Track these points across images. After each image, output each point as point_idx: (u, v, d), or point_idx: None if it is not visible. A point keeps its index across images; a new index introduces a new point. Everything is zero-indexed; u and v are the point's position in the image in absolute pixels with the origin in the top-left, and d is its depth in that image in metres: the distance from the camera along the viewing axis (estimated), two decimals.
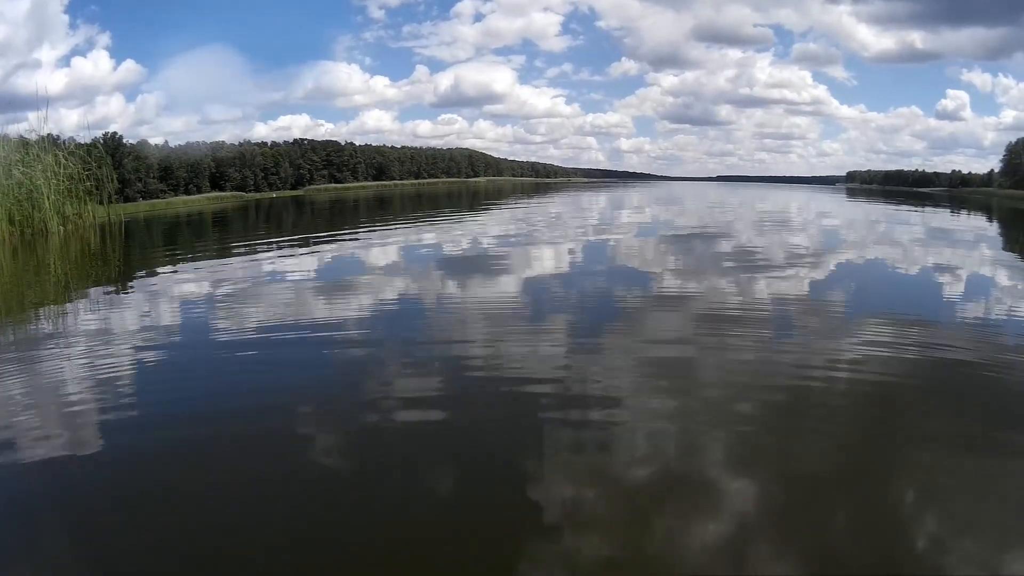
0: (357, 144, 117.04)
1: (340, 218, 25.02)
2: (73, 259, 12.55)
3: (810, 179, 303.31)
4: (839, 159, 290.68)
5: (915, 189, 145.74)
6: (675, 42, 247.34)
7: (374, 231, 15.73)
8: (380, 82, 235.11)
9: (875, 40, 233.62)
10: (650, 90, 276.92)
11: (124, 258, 13.53)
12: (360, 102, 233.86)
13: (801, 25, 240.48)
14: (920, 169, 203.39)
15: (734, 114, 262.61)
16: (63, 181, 17.63)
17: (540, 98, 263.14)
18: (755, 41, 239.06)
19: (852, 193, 69.20)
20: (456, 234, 13.68)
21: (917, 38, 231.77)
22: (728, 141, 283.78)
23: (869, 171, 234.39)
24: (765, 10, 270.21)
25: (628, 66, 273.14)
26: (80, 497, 3.00)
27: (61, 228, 16.65)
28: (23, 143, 18.42)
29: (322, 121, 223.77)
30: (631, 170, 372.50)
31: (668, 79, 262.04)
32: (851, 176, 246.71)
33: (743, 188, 77.62)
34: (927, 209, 31.09)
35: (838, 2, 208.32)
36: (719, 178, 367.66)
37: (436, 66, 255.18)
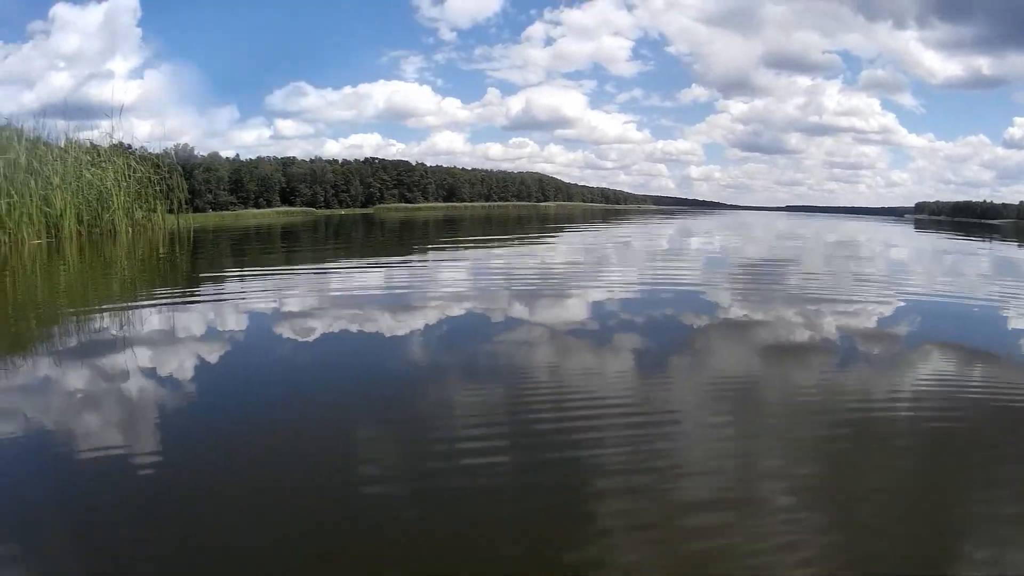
0: (428, 165, 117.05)
1: (410, 236, 25.87)
2: (138, 261, 12.57)
3: (878, 210, 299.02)
4: (907, 189, 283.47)
5: (983, 221, 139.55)
6: (744, 68, 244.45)
7: (444, 251, 16.44)
8: (452, 104, 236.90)
9: (942, 66, 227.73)
10: (720, 117, 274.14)
11: (189, 263, 13.50)
12: (431, 123, 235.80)
13: (869, 51, 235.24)
14: (988, 200, 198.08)
15: (803, 142, 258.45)
16: (133, 185, 16.48)
17: (611, 123, 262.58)
18: (823, 68, 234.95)
19: (920, 225, 68.71)
20: (526, 257, 14.63)
21: (984, 63, 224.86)
22: (797, 170, 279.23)
23: (938, 202, 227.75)
24: (833, 35, 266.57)
25: (698, 92, 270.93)
26: (113, 496, 2.87)
27: (130, 230, 15.63)
28: (94, 148, 17.66)
29: (393, 141, 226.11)
30: (701, 198, 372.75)
31: (738, 106, 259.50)
32: (919, 207, 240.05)
33: (812, 219, 79.54)
34: (995, 242, 29.96)
35: (905, 27, 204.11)
36: (788, 208, 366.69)
37: (507, 89, 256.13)
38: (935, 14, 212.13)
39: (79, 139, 19.78)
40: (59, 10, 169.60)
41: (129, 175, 17.19)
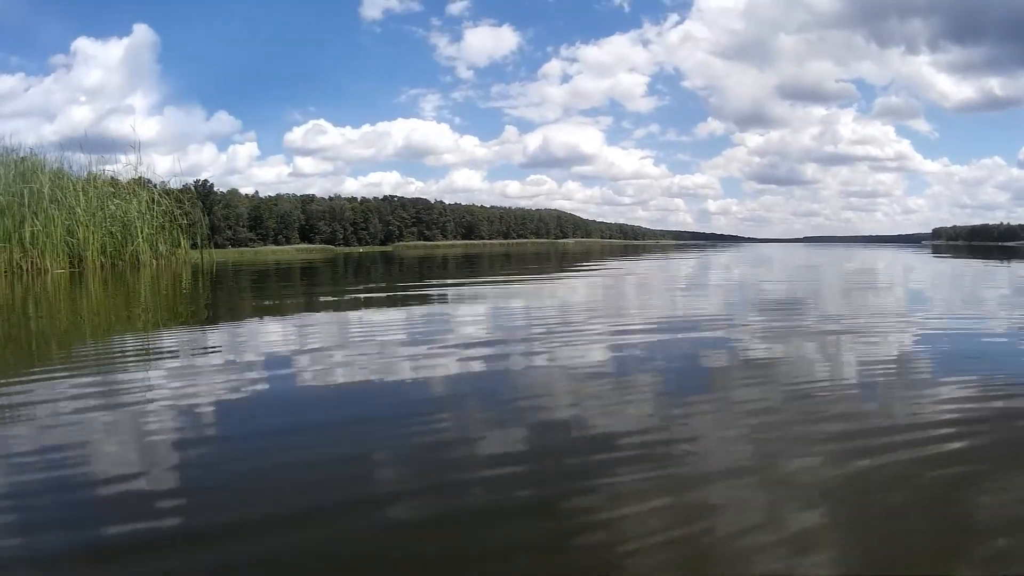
0: (447, 202, 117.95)
1: (429, 273, 25.35)
2: (162, 293, 12.50)
3: (896, 237, 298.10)
4: (924, 215, 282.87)
5: (1001, 244, 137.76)
6: (759, 100, 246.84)
7: (463, 287, 16.56)
8: (470, 141, 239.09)
9: (955, 89, 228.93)
10: (736, 150, 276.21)
11: (213, 296, 13.25)
12: (450, 160, 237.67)
13: (882, 78, 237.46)
14: (1005, 222, 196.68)
15: (820, 172, 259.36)
16: (157, 218, 16.26)
17: (628, 159, 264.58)
18: (838, 97, 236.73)
19: (938, 251, 67.94)
20: (544, 294, 14.65)
21: (995, 84, 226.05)
22: (814, 200, 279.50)
23: (954, 227, 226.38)
24: (846, 64, 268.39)
25: (714, 126, 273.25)
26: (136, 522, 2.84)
27: (154, 263, 15.43)
28: (115, 182, 17.54)
29: (412, 178, 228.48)
30: (719, 232, 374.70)
31: (754, 138, 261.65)
32: (936, 233, 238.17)
33: (830, 249, 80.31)
34: (1012, 265, 29.58)
35: (917, 52, 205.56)
36: (806, 239, 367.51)
37: (525, 126, 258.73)
38: (946, 37, 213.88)
39: (101, 172, 19.88)
40: (81, 44, 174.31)
41: (153, 208, 17.05)
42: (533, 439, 3.99)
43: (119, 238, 16.23)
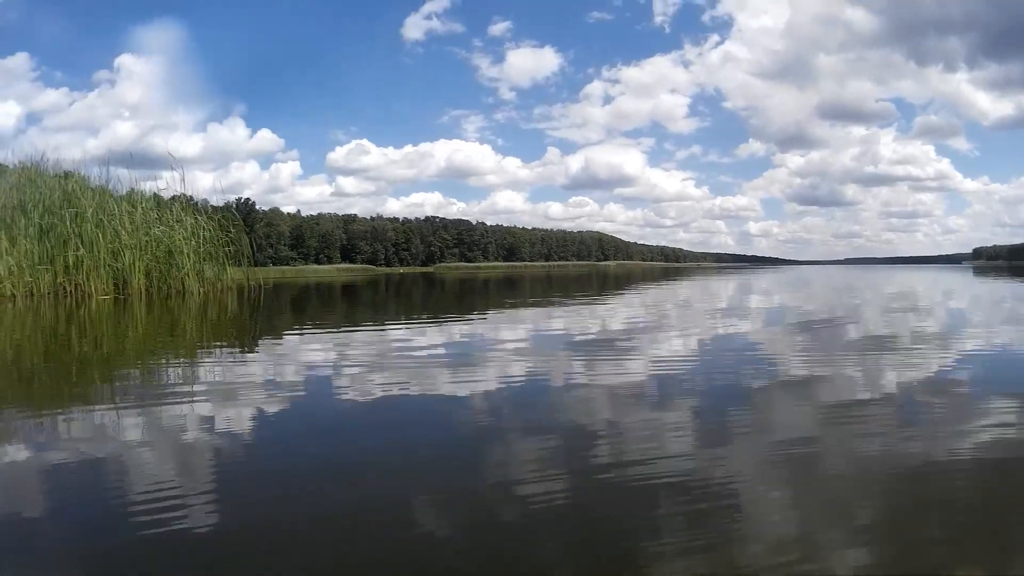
0: (488, 224, 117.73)
1: (471, 297, 25.32)
2: (211, 321, 12.04)
3: (936, 258, 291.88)
4: (965, 235, 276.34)
5: None
6: (800, 121, 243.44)
7: (504, 311, 16.62)
8: (512, 162, 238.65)
9: (993, 106, 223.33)
10: (777, 171, 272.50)
11: (261, 320, 13.17)
12: (492, 182, 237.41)
13: (921, 96, 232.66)
14: None
15: (860, 193, 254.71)
16: (203, 243, 15.62)
17: (670, 181, 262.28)
18: (878, 116, 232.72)
19: (980, 271, 66.17)
20: (586, 317, 14.39)
21: None
22: (855, 222, 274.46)
23: (995, 246, 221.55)
24: (886, 83, 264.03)
25: (755, 147, 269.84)
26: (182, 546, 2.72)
27: (200, 289, 14.76)
28: (157, 201, 17.02)
29: (454, 199, 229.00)
30: (760, 254, 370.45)
31: (795, 159, 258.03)
32: (977, 253, 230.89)
33: (870, 271, 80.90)
34: None
35: (955, 70, 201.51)
36: (847, 260, 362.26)
37: (567, 148, 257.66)
38: (984, 53, 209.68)
39: (143, 190, 19.42)
40: (124, 60, 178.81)
41: (199, 233, 16.42)
42: (580, 467, 3.81)
43: (165, 263, 15.56)
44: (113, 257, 15.34)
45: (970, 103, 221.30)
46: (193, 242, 16.08)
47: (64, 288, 14.43)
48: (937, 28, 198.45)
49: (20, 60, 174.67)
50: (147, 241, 15.90)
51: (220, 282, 16.69)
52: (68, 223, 14.66)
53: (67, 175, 18.12)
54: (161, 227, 15.99)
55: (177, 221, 16.94)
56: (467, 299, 24.63)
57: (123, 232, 14.91)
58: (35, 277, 14.25)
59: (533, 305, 18.72)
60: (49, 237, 14.89)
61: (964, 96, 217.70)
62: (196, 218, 17.50)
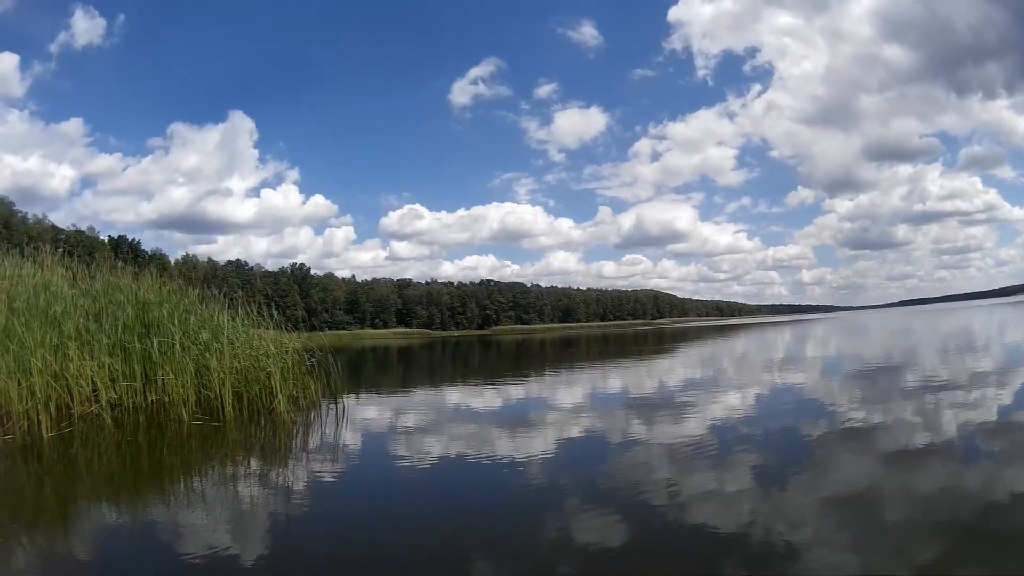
0: (543, 285, 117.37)
1: (528, 359, 26.26)
2: (303, 443, 11.32)
3: (991, 292, 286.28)
4: (1018, 266, 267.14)
5: None
6: (847, 164, 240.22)
7: (560, 373, 16.84)
8: (564, 223, 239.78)
9: None
10: (827, 217, 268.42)
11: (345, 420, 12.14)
12: (545, 243, 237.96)
13: (964, 128, 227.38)
14: None
15: (911, 233, 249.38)
16: (289, 366, 15.49)
17: (721, 234, 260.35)
18: (923, 153, 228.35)
19: None
20: (641, 375, 14.97)
21: None
22: (907, 263, 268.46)
23: None
24: (928, 118, 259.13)
25: (804, 194, 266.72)
26: None
27: (291, 411, 14.51)
28: (248, 330, 17.01)
29: (508, 262, 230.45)
30: (814, 303, 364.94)
31: (844, 204, 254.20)
32: None
33: (925, 312, 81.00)
34: None
35: (995, 97, 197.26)
36: (901, 303, 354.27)
37: (618, 206, 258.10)
38: (1022, 76, 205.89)
39: (196, 254, 19.31)
40: (177, 128, 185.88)
41: (287, 358, 16.24)
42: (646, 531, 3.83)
43: (252, 385, 15.23)
44: (197, 376, 15.08)
45: (1012, 129, 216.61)
46: (281, 364, 15.78)
47: (151, 402, 14.24)
48: (973, 56, 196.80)
49: (75, 125, 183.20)
50: (234, 366, 15.64)
51: (306, 398, 16.36)
52: (155, 348, 14.46)
53: (122, 243, 18.01)
54: (248, 350, 15.71)
55: (260, 341, 16.82)
56: (524, 360, 25.41)
57: (212, 360, 14.60)
58: (120, 395, 13.99)
59: (590, 366, 19.18)
60: (132, 360, 14.72)
61: (1006, 123, 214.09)
62: (280, 339, 17.40)
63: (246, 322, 17.21)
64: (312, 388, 16.32)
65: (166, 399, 14.58)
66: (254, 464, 8.84)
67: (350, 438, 7.75)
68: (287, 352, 16.32)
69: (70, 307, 15.70)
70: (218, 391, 14.43)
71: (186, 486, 7.25)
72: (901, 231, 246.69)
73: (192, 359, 14.75)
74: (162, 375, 14.06)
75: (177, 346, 14.05)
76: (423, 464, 6.29)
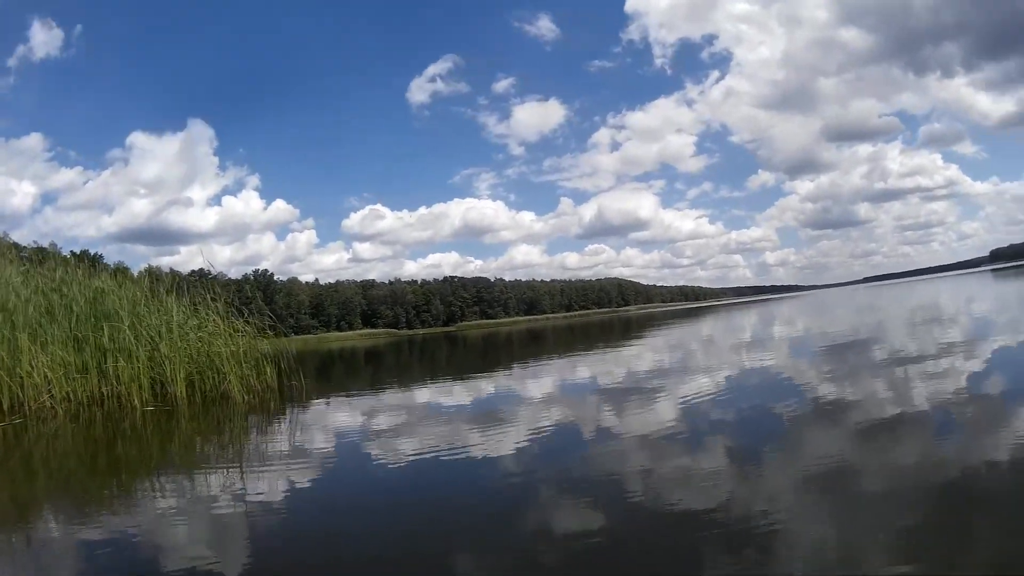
0: (507, 279, 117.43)
1: (494, 354, 25.86)
2: (259, 426, 11.19)
3: (955, 265, 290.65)
4: (981, 239, 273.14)
5: None
6: (807, 146, 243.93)
7: (528, 366, 16.61)
8: (526, 217, 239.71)
9: (995, 106, 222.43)
10: (789, 199, 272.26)
11: (306, 409, 12.64)
12: (507, 237, 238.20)
13: (923, 106, 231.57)
14: None
15: (872, 211, 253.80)
16: (240, 349, 15.57)
17: (683, 220, 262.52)
18: (882, 132, 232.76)
19: (999, 274, 65.66)
20: (610, 363, 14.88)
21: None
22: (870, 240, 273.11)
23: (1011, 245, 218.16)
24: (887, 98, 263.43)
25: (765, 177, 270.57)
26: None
27: (244, 395, 14.56)
28: (197, 311, 17.00)
29: (471, 257, 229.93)
30: (779, 283, 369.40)
31: (805, 185, 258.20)
32: (995, 255, 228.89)
33: (890, 287, 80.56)
34: None
35: (953, 75, 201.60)
36: (865, 280, 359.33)
37: (579, 197, 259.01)
38: (979, 55, 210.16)
39: (160, 266, 19.42)
40: (136, 139, 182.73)
41: (239, 341, 16.29)
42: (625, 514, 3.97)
43: (205, 369, 15.37)
44: (150, 363, 15.17)
45: (971, 106, 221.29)
46: (233, 347, 15.92)
47: (104, 395, 14.29)
48: (931, 36, 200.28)
49: (35, 140, 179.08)
50: (185, 348, 15.73)
51: (260, 383, 16.47)
52: (107, 336, 14.52)
53: (84, 257, 18.07)
54: (199, 333, 15.84)
55: (214, 326, 16.86)
56: (491, 355, 25.24)
57: (163, 344, 14.71)
58: (74, 388, 14.07)
59: (558, 356, 19.22)
60: (84, 351, 14.77)
61: (965, 100, 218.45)
62: (234, 325, 17.42)
63: (200, 314, 17.33)
64: (268, 373, 16.48)
65: (120, 388, 14.66)
66: (208, 452, 8.96)
67: (310, 424, 7.75)
68: (240, 336, 16.46)
69: (22, 300, 15.71)
70: (170, 375, 14.56)
71: (137, 478, 7.31)
72: (863, 209, 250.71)
73: (144, 345, 14.86)
74: (114, 363, 14.14)
75: (127, 331, 14.16)
76: (394, 459, 6.28)
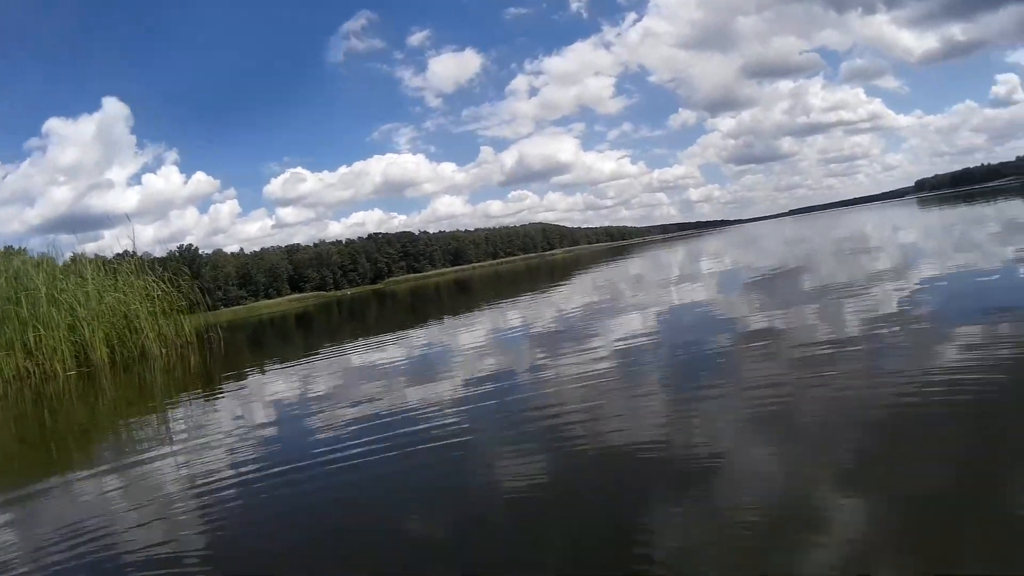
0: (431, 232, 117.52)
1: (424, 307, 25.89)
2: (178, 381, 12.39)
3: (880, 196, 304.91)
4: (905, 170, 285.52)
5: (986, 185, 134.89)
6: (727, 84, 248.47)
7: (457, 318, 16.38)
8: (447, 168, 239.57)
9: (917, 42, 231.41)
10: (710, 136, 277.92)
11: (226, 366, 13.51)
12: (430, 190, 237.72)
13: (845, 43, 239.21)
14: (986, 163, 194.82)
15: (796, 145, 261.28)
16: (156, 302, 16.32)
17: (605, 162, 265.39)
18: (804, 68, 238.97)
19: (924, 203, 68.06)
20: (540, 308, 14.77)
21: (957, 30, 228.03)
22: (794, 173, 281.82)
23: (936, 176, 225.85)
24: (808, 35, 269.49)
25: (686, 116, 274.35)
26: None
27: (162, 349, 15.48)
28: (105, 267, 17.58)
29: (394, 213, 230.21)
30: (705, 219, 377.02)
31: (726, 122, 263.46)
32: (920, 185, 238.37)
33: (816, 218, 78.56)
34: (999, 203, 29.80)
35: (875, 12, 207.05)
36: (792, 212, 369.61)
37: (500, 145, 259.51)
38: None
39: (88, 254, 19.89)
40: (52, 125, 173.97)
41: (152, 293, 17.06)
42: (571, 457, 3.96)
43: (123, 330, 16.20)
44: (71, 331, 15.86)
45: (894, 42, 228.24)
46: (148, 304, 16.73)
47: (28, 370, 14.88)
48: None
49: None
50: (102, 310, 16.45)
51: (179, 339, 17.38)
52: (24, 307, 15.18)
53: (9, 253, 18.43)
54: (115, 294, 16.57)
55: (127, 285, 17.48)
56: (419, 310, 24.98)
57: (79, 307, 15.47)
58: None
59: (487, 305, 19.29)
60: (5, 326, 15.38)
61: (887, 36, 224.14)
62: (145, 279, 17.98)
63: (119, 280, 17.92)
64: (186, 328, 17.33)
65: (43, 360, 15.33)
66: (131, 413, 9.28)
67: (255, 411, 7.57)
68: (156, 295, 17.21)
69: None
70: (90, 339, 15.31)
71: (66, 449, 7.41)
72: (786, 144, 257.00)
73: (64, 315, 15.53)
74: (35, 333, 14.82)
75: (43, 298, 14.83)
76: (321, 417, 6.19)
